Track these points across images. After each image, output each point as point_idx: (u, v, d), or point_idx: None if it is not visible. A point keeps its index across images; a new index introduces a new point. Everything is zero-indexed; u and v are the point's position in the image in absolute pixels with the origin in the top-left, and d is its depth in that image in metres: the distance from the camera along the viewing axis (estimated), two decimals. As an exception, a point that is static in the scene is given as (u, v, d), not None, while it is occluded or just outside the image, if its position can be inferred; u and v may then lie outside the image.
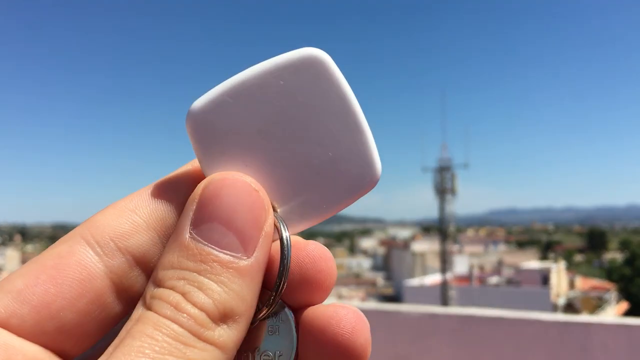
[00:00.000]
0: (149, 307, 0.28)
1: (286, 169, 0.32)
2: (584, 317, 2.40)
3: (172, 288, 0.28)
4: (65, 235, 0.32)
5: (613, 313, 29.10)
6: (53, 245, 0.32)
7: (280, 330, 0.33)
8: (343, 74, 0.32)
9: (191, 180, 0.33)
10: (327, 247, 0.31)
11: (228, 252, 0.29)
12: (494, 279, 29.83)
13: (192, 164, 0.34)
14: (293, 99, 0.31)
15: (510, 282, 29.28)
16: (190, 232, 0.29)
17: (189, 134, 0.32)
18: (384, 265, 50.27)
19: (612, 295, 32.04)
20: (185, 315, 0.27)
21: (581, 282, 33.67)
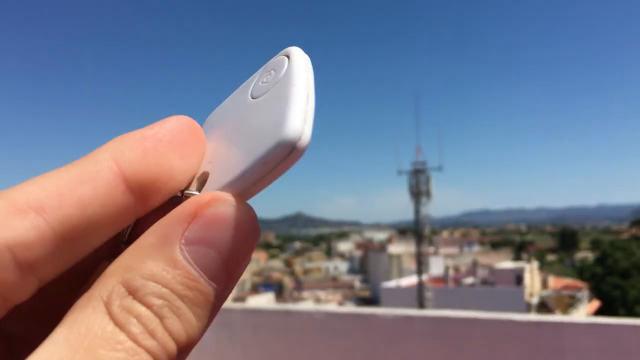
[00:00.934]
0: (117, 321, 0.25)
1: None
2: (555, 317, 2.44)
3: (149, 306, 0.26)
4: None
5: (585, 311, 29.62)
6: None
7: None
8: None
9: (115, 179, 0.28)
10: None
11: (213, 285, 0.27)
12: (469, 280, 30.13)
13: (113, 153, 0.29)
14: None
15: (485, 282, 29.61)
16: (181, 247, 0.27)
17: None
18: (361, 267, 50.46)
19: (584, 293, 32.63)
20: (156, 344, 0.25)
21: (554, 281, 34.22)
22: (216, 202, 0.28)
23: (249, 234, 0.29)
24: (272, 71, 0.32)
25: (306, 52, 0.30)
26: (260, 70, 0.34)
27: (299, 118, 0.29)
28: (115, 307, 0.25)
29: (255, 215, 0.29)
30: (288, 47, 0.33)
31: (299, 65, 0.31)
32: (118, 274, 0.26)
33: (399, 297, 24.04)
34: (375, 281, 36.40)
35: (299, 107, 0.29)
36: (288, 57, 0.32)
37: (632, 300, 36.02)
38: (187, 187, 0.31)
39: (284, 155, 0.28)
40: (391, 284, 27.99)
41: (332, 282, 45.91)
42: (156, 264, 0.26)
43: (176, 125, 0.31)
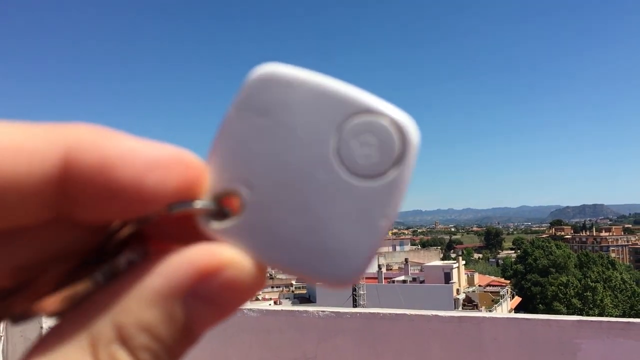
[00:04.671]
0: None
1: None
2: (476, 313, 2.58)
3: None
4: None
5: (507, 307, 30.95)
6: None
7: None
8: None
9: (54, 166, 0.24)
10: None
11: (200, 336, 0.26)
12: (401, 277, 30.82)
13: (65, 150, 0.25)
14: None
15: (415, 280, 30.41)
16: (186, 301, 0.25)
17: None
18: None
19: (507, 290, 34.06)
20: None
21: (479, 279, 35.54)
22: (239, 265, 0.26)
23: (254, 295, 0.28)
24: (376, 141, 0.28)
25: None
26: (355, 116, 0.28)
27: (366, 265, 0.27)
28: (102, 352, 0.24)
29: (266, 279, 0.28)
30: (399, 111, 0.29)
31: (407, 176, 0.28)
32: (112, 311, 0.24)
33: (334, 295, 24.27)
34: (309, 280, 36.54)
35: (374, 251, 0.27)
36: (401, 134, 0.28)
37: (551, 296, 37.91)
38: (191, 199, 0.27)
39: (325, 284, 0.27)
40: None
41: (270, 281, 45.80)
42: (154, 314, 0.25)
43: (166, 148, 0.27)
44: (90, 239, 0.28)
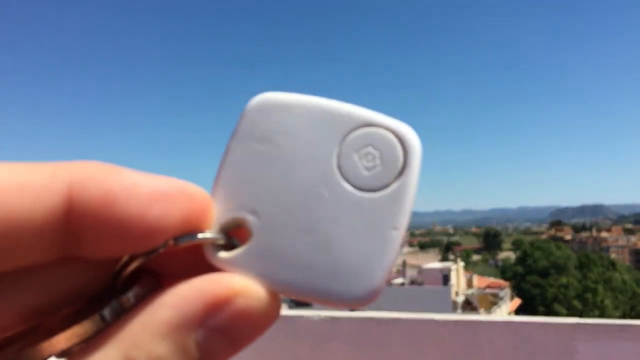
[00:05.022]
0: None
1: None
2: (473, 316, 2.55)
3: None
4: None
5: (507, 309, 30.93)
6: None
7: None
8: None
9: (59, 204, 0.25)
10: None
11: None
12: (398, 280, 30.81)
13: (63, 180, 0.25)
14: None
15: (413, 282, 30.40)
16: (198, 332, 0.24)
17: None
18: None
19: (506, 292, 34.04)
20: None
21: (478, 281, 35.51)
22: (251, 293, 0.26)
23: (269, 326, 0.26)
24: (377, 153, 0.28)
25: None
26: (354, 132, 0.29)
27: (383, 280, 0.27)
28: None
29: (281, 306, 0.27)
30: (398, 122, 0.29)
31: (413, 185, 0.28)
32: (122, 346, 0.24)
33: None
34: (307, 283, 36.53)
35: (389, 265, 0.27)
36: (402, 144, 0.28)
37: (551, 298, 37.90)
38: (197, 231, 0.27)
39: (342, 305, 0.27)
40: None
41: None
42: (166, 347, 0.24)
43: (170, 181, 0.27)
44: (99, 276, 0.28)
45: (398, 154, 0.28)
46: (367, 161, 0.28)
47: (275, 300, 0.26)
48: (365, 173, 0.28)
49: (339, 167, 0.28)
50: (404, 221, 0.27)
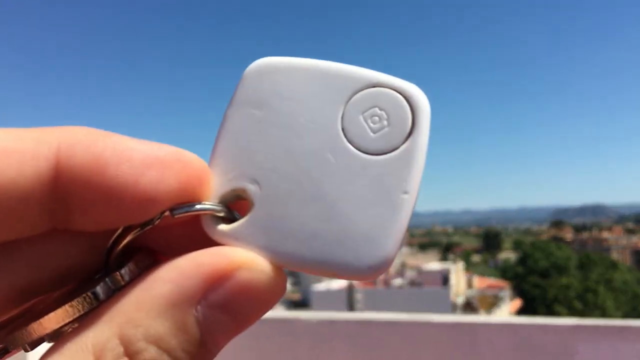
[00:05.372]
0: None
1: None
2: (471, 318, 2.55)
3: None
4: None
5: (507, 310, 30.91)
6: None
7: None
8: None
9: (48, 171, 0.23)
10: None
11: (215, 350, 0.24)
12: (397, 281, 30.77)
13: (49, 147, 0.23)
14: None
15: (413, 283, 30.37)
16: (198, 309, 0.23)
17: None
18: (291, 271, 50.48)
19: (507, 293, 34.01)
20: None
21: (478, 281, 35.51)
22: (254, 266, 0.24)
23: (274, 303, 0.25)
24: (384, 114, 0.27)
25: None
26: (358, 93, 0.27)
27: (395, 248, 0.26)
28: None
29: (286, 281, 0.26)
30: (405, 82, 0.28)
31: (422, 146, 0.27)
32: (117, 323, 0.22)
33: (329, 299, 24.26)
34: (306, 284, 36.55)
35: (400, 231, 0.26)
36: (410, 104, 0.27)
37: (551, 299, 37.87)
38: (195, 201, 0.26)
39: (353, 278, 0.26)
40: (321, 286, 28.21)
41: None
42: (164, 325, 0.22)
43: (165, 147, 0.25)
44: (92, 251, 0.26)
45: (406, 114, 0.27)
46: (374, 123, 0.27)
47: (280, 274, 0.25)
48: (372, 135, 0.27)
49: (344, 130, 0.27)
50: (415, 184, 0.26)
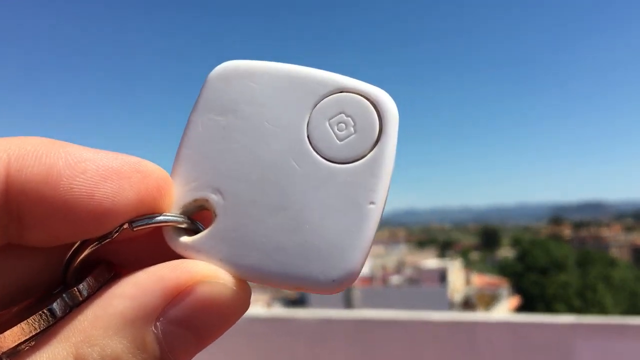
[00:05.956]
0: None
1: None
2: (470, 316, 2.54)
3: None
4: None
5: (506, 308, 30.95)
6: None
7: None
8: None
9: None
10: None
11: None
12: (395, 279, 30.78)
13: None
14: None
15: (410, 281, 30.38)
16: (157, 326, 0.22)
17: None
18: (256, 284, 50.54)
19: (505, 290, 34.03)
20: None
21: (476, 279, 35.52)
22: (214, 280, 0.23)
23: (237, 318, 0.24)
24: (351, 121, 0.26)
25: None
26: (325, 98, 0.27)
27: (360, 261, 0.25)
28: None
29: (250, 295, 0.25)
30: (372, 86, 0.27)
31: (390, 154, 0.26)
32: (73, 342, 0.21)
33: (327, 297, 24.27)
34: (304, 282, 36.51)
35: (367, 243, 0.25)
36: (377, 110, 0.26)
37: (550, 296, 37.89)
38: (155, 213, 0.25)
39: (317, 291, 0.25)
40: (320, 284, 28.21)
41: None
42: (122, 343, 0.21)
43: (122, 157, 0.24)
44: (49, 267, 0.25)
45: (373, 121, 0.26)
46: (340, 130, 0.26)
47: (243, 288, 0.24)
48: (339, 143, 0.26)
49: (310, 137, 0.26)
50: (382, 194, 0.25)
